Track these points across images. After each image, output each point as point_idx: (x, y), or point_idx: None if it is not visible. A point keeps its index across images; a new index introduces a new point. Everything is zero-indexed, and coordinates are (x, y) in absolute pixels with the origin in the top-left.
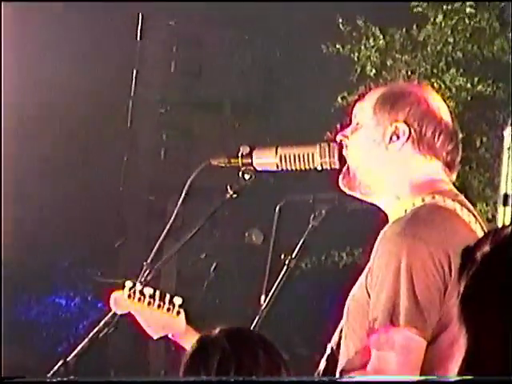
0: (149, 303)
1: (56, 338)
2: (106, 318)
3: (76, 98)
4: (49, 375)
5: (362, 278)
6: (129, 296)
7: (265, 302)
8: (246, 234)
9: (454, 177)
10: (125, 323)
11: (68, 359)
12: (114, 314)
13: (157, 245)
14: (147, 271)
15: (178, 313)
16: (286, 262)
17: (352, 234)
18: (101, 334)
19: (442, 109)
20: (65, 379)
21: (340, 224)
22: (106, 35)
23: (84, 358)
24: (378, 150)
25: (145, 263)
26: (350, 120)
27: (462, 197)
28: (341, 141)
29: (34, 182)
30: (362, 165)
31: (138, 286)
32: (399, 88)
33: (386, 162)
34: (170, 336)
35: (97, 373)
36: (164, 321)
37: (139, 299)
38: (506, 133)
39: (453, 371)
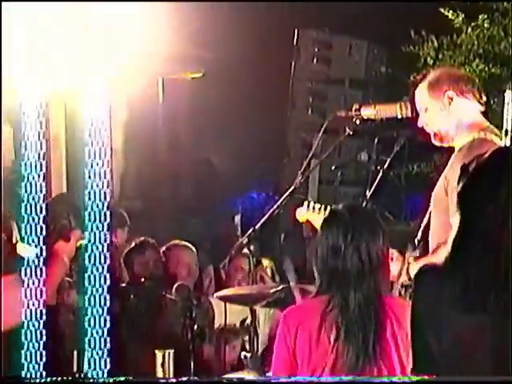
0: (318, 212)
1: (250, 216)
2: (276, 205)
3: (256, 85)
4: (240, 234)
5: (440, 182)
6: (307, 209)
7: (368, 193)
8: (358, 156)
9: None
10: (287, 209)
11: (256, 226)
12: (281, 203)
13: (306, 162)
14: (300, 177)
15: None
16: (381, 171)
17: (418, 154)
18: (274, 213)
19: (465, 73)
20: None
21: (412, 149)
22: (276, 42)
23: (264, 225)
24: (446, 113)
25: (299, 172)
26: (413, 98)
27: (494, 129)
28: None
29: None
30: (441, 127)
31: (311, 203)
32: (437, 73)
33: (452, 118)
34: None
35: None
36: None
37: (312, 210)
38: (506, 94)
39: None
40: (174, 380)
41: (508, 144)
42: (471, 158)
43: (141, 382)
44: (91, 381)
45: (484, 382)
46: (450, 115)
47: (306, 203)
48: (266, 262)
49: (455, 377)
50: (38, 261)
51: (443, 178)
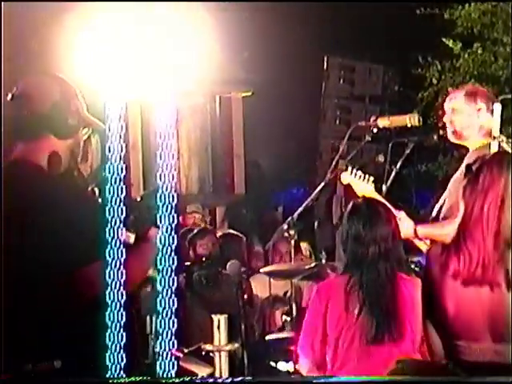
0: (359, 178)
1: (290, 207)
2: (310, 198)
3: (294, 101)
4: (282, 221)
5: (458, 172)
6: (350, 174)
7: (384, 188)
8: (376, 158)
9: None
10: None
11: (294, 215)
12: (314, 196)
13: (334, 163)
14: (330, 175)
15: (371, 183)
16: (394, 170)
17: (425, 157)
18: (309, 205)
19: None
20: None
21: (420, 152)
22: (309, 67)
23: (301, 214)
24: (473, 118)
25: (329, 171)
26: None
27: (503, 136)
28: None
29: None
30: (464, 127)
31: (354, 170)
32: (476, 87)
33: (476, 124)
34: None
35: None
36: (364, 188)
37: (354, 176)
38: (494, 106)
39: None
40: (175, 380)
41: (496, 148)
42: (476, 158)
43: (140, 382)
44: (163, 381)
45: (484, 383)
46: (474, 121)
47: (350, 169)
48: (303, 245)
49: (455, 377)
50: (130, 248)
51: (461, 169)
